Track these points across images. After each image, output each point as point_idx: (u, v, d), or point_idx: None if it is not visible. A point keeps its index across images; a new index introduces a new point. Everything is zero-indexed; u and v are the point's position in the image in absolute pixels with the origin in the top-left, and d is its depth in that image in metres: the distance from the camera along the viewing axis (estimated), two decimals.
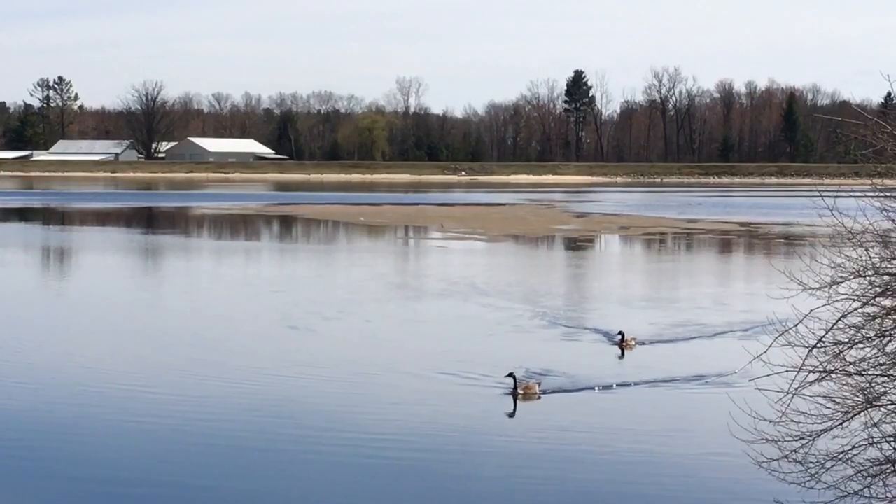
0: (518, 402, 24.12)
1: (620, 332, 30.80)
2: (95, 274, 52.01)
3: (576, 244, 68.52)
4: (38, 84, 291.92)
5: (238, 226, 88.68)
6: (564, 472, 19.28)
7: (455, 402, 24.23)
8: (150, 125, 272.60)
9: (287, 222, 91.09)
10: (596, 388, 25.36)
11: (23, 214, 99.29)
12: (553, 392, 24.98)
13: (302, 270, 53.46)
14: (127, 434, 21.51)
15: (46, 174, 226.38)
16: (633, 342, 30.62)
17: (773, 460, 15.37)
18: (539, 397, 24.57)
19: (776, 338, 15.25)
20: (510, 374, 24.83)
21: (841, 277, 14.93)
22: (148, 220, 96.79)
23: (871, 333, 14.89)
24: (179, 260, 58.70)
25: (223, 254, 62.33)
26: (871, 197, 15.24)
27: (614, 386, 25.68)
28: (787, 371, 15.15)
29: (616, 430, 22.06)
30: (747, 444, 15.79)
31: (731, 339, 31.37)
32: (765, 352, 15.23)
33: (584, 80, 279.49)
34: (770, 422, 15.45)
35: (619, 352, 30.12)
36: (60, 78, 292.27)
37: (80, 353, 29.53)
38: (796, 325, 15.17)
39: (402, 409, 23.71)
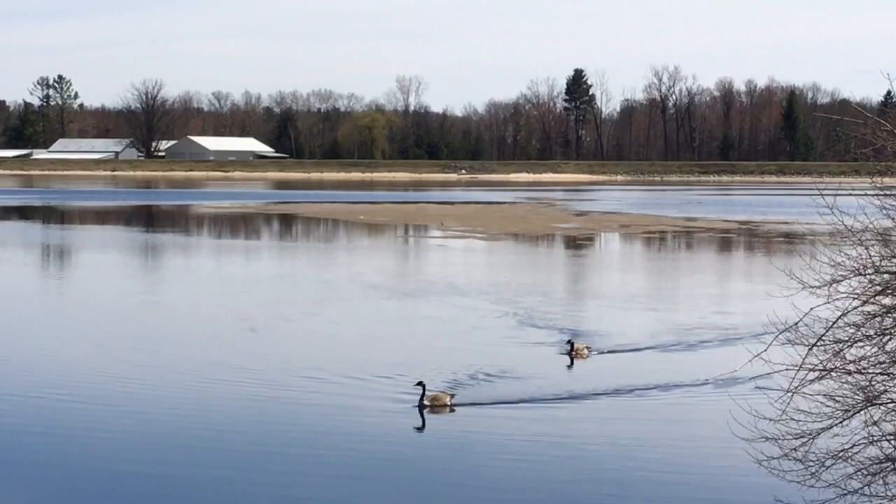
0: (426, 414, 22.81)
1: (570, 341, 29.29)
2: (88, 273, 52.05)
3: (575, 243, 68.51)
4: (38, 83, 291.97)
5: (237, 225, 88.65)
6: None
7: (360, 412, 23.18)
8: (150, 124, 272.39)
9: (286, 221, 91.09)
10: (524, 402, 23.89)
11: (22, 213, 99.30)
12: (469, 405, 23.64)
13: (291, 269, 53.46)
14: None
15: (46, 173, 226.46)
16: (585, 351, 28.93)
17: (774, 458, 15.37)
18: (451, 409, 23.17)
19: (776, 336, 15.26)
20: (419, 383, 23.41)
21: (841, 276, 14.93)
22: (147, 218, 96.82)
23: (871, 332, 14.89)
24: (171, 259, 58.69)
25: (217, 253, 62.28)
26: (871, 195, 15.24)
27: (541, 399, 24.17)
28: (787, 369, 15.15)
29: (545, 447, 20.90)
30: (748, 442, 15.80)
31: (713, 346, 30.56)
32: (765, 350, 15.23)
33: (584, 78, 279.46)
34: (770, 420, 15.45)
35: (569, 361, 28.40)
36: (60, 77, 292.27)
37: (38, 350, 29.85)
38: (796, 324, 15.17)
39: (297, 419, 22.74)
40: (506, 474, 19.26)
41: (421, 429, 22.25)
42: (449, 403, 23.36)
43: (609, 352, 29.73)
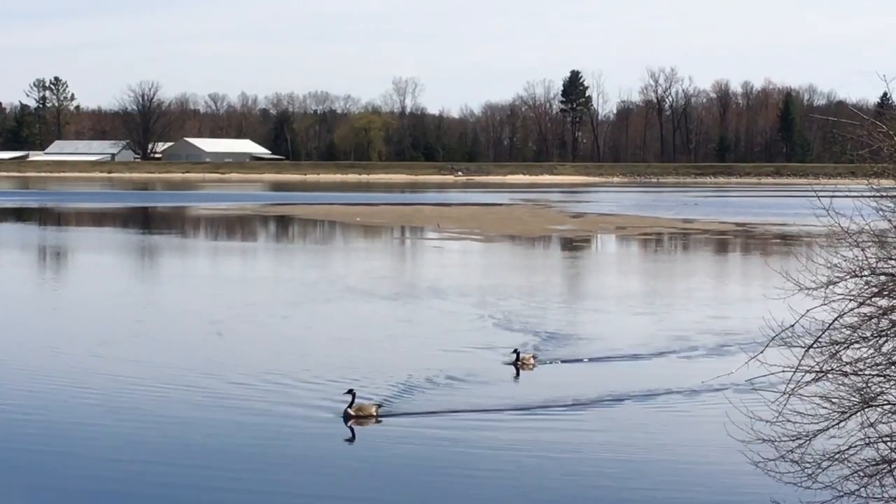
0: (350, 425, 22.21)
1: (515, 351, 28.11)
2: (70, 276, 52.10)
3: (571, 245, 68.47)
4: (35, 84, 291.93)
5: (232, 226, 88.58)
6: None
7: (285, 420, 22.71)
8: (147, 126, 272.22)
9: (282, 223, 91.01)
10: (454, 413, 23.18)
11: (18, 214, 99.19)
12: (396, 415, 23.00)
13: (280, 271, 53.23)
14: None
15: (43, 174, 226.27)
16: (532, 361, 27.95)
17: (770, 460, 15.34)
18: (378, 420, 22.59)
19: (772, 338, 15.24)
20: (349, 391, 22.87)
21: (837, 277, 14.91)
22: (143, 220, 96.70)
23: (868, 333, 14.87)
24: (161, 261, 58.56)
25: (208, 255, 62.20)
26: (868, 197, 15.22)
27: (475, 410, 23.45)
28: (783, 371, 15.13)
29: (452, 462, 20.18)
30: (744, 445, 15.78)
31: (708, 349, 30.03)
32: (761, 352, 15.22)
33: (581, 80, 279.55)
34: (767, 422, 15.43)
35: (514, 372, 27.42)
36: (57, 78, 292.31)
37: None
38: (792, 326, 15.16)
39: (219, 427, 22.27)
40: (425, 488, 18.75)
41: (342, 440, 21.67)
42: (375, 414, 22.76)
43: (562, 361, 28.83)
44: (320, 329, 34.61)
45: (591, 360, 29.18)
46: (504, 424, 22.73)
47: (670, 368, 28.23)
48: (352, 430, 22.20)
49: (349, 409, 22.55)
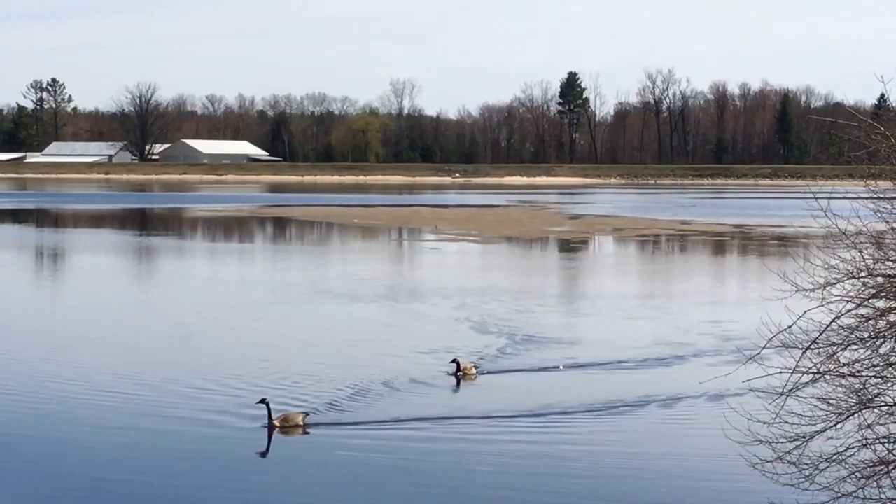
0: (276, 435, 21.41)
1: (455, 360, 26.97)
2: (49, 277, 51.94)
3: (568, 246, 68.42)
4: (32, 86, 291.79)
5: (229, 228, 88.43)
6: None
7: (208, 429, 21.99)
8: (144, 127, 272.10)
9: (279, 224, 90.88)
10: (384, 423, 22.43)
11: (15, 216, 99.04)
12: (324, 425, 22.22)
13: (268, 273, 52.99)
14: None
15: (40, 176, 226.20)
16: (473, 371, 26.85)
17: (767, 461, 15.34)
18: (306, 431, 21.71)
19: (770, 339, 15.23)
20: (262, 401, 21.95)
21: (834, 279, 14.92)
22: (139, 222, 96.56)
23: (865, 335, 14.87)
24: (150, 262, 58.31)
25: (199, 257, 62.00)
26: (865, 198, 15.22)
27: (408, 420, 22.69)
28: (781, 373, 15.12)
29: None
30: (741, 446, 15.78)
31: (669, 360, 29.12)
32: (758, 353, 15.22)
33: (578, 81, 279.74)
34: (764, 423, 15.44)
35: (455, 382, 26.35)
36: (54, 80, 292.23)
37: None
38: (790, 327, 15.16)
39: (135, 435, 21.55)
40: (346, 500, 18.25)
41: (265, 453, 20.81)
42: (302, 424, 21.86)
43: (513, 370, 27.95)
44: (288, 332, 34.12)
45: (543, 367, 28.15)
46: (438, 435, 21.94)
47: (665, 370, 28.10)
48: (271, 440, 21.33)
49: (273, 420, 21.69)
